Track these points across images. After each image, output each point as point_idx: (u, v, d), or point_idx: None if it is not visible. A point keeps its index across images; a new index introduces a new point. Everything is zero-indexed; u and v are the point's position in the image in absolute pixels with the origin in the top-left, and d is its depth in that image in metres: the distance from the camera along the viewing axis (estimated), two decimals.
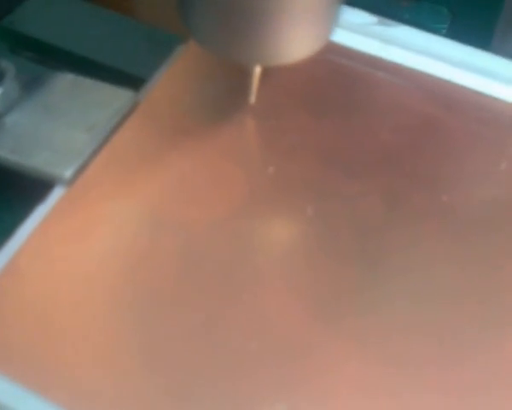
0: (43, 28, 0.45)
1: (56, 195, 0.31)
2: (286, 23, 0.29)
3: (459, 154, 0.35)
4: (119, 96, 0.35)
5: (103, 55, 0.43)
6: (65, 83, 0.36)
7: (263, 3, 0.28)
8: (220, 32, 0.30)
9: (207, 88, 0.36)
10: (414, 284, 0.30)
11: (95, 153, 0.33)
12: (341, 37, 0.39)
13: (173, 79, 0.37)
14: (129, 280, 0.29)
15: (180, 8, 0.32)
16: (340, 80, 0.37)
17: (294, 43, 0.30)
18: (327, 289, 0.29)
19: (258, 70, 0.34)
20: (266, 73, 0.36)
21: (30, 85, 0.36)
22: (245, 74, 0.34)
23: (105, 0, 0.52)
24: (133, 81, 0.40)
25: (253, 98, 0.35)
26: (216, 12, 0.29)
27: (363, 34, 0.39)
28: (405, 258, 0.30)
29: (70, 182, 0.31)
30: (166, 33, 0.45)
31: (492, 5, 0.47)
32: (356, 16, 0.40)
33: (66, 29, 0.45)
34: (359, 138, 0.35)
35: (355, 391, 0.26)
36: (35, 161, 0.32)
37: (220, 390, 0.26)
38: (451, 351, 0.28)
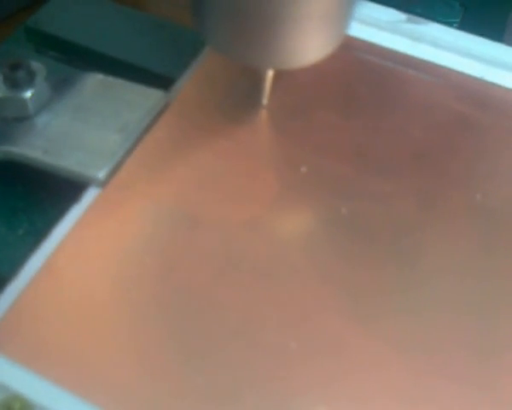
0: (68, 28, 0.45)
1: (91, 195, 0.31)
2: (298, 28, 0.29)
3: (493, 151, 0.34)
4: (149, 96, 0.35)
5: (129, 55, 0.43)
6: (95, 83, 0.36)
7: (275, 10, 0.28)
8: (233, 37, 0.30)
9: (236, 87, 0.36)
10: (450, 284, 0.29)
11: (127, 153, 0.33)
12: (370, 34, 0.39)
13: (202, 79, 0.37)
14: (166, 279, 0.29)
15: (194, 14, 0.32)
16: (369, 78, 0.37)
17: (306, 47, 0.30)
18: (363, 288, 0.29)
19: (270, 73, 0.34)
20: (294, 71, 0.36)
21: (60, 86, 0.36)
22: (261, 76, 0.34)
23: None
24: (158, 80, 0.40)
25: (265, 101, 0.35)
26: (229, 17, 0.30)
27: (393, 32, 0.39)
28: (441, 258, 0.30)
29: (104, 183, 0.31)
30: (190, 32, 0.45)
31: None
32: (384, 13, 0.40)
33: (92, 28, 0.45)
34: (390, 137, 0.35)
35: (391, 394, 0.26)
36: (68, 162, 0.32)
37: (260, 390, 0.26)
38: (490, 356, 0.27)
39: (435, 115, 0.36)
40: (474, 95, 0.36)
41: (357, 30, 0.39)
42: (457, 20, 0.47)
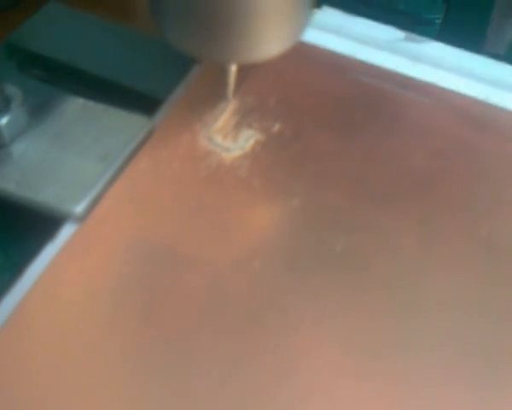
0: (52, 45, 0.43)
1: (67, 232, 0.29)
2: (259, 23, 0.29)
3: (497, 180, 0.32)
4: (133, 122, 0.33)
5: (115, 74, 0.41)
6: (75, 108, 0.34)
7: (237, 5, 0.28)
8: (195, 33, 0.30)
9: (226, 110, 0.34)
10: (453, 327, 0.27)
11: (108, 184, 0.31)
12: (367, 54, 0.37)
13: (189, 102, 0.35)
14: (147, 325, 0.27)
15: (152, 11, 0.31)
16: (366, 101, 0.35)
17: (268, 41, 0.30)
18: (361, 331, 0.27)
19: (233, 69, 0.33)
20: (291, 95, 0.35)
21: (38, 111, 0.34)
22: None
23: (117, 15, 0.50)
24: (145, 101, 0.38)
25: (230, 96, 0.34)
26: (190, 13, 0.29)
27: (390, 51, 0.37)
28: (445, 299, 0.28)
29: (82, 218, 0.29)
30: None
31: None
32: (381, 31, 0.38)
33: (77, 46, 0.43)
34: (389, 164, 0.33)
35: None
36: (43, 195, 0.30)
37: None
38: (493, 397, 0.25)
39: (436, 141, 0.33)
40: (478, 118, 0.34)
41: (353, 49, 0.37)
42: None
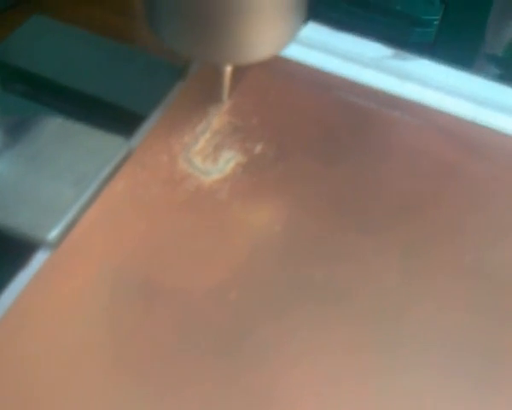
0: (35, 60, 0.42)
1: (39, 260, 0.28)
2: (253, 24, 0.29)
3: (485, 205, 0.31)
4: (110, 143, 0.32)
5: (98, 89, 0.41)
6: (53, 128, 0.33)
7: (230, 6, 0.29)
8: (190, 35, 0.30)
9: (208, 131, 0.33)
10: (439, 358, 0.27)
11: (83, 209, 0.30)
12: (353, 72, 0.36)
13: (170, 122, 0.34)
14: (120, 357, 0.26)
15: (147, 14, 0.31)
16: (352, 121, 0.34)
17: (261, 42, 0.30)
18: (342, 362, 0.26)
19: (228, 69, 0.33)
20: (275, 115, 0.34)
21: (15, 131, 0.33)
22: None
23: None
24: (129, 117, 0.37)
25: (225, 97, 0.34)
26: (184, 13, 0.29)
27: (378, 69, 0.36)
28: (428, 329, 0.27)
29: (55, 244, 0.29)
30: (166, 62, 0.42)
31: None
32: (369, 48, 0.37)
33: (60, 60, 0.42)
34: (373, 187, 0.32)
35: None
36: (16, 220, 0.29)
37: None
38: None
39: (422, 163, 0.33)
40: (465, 139, 0.34)
41: (339, 67, 0.36)
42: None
